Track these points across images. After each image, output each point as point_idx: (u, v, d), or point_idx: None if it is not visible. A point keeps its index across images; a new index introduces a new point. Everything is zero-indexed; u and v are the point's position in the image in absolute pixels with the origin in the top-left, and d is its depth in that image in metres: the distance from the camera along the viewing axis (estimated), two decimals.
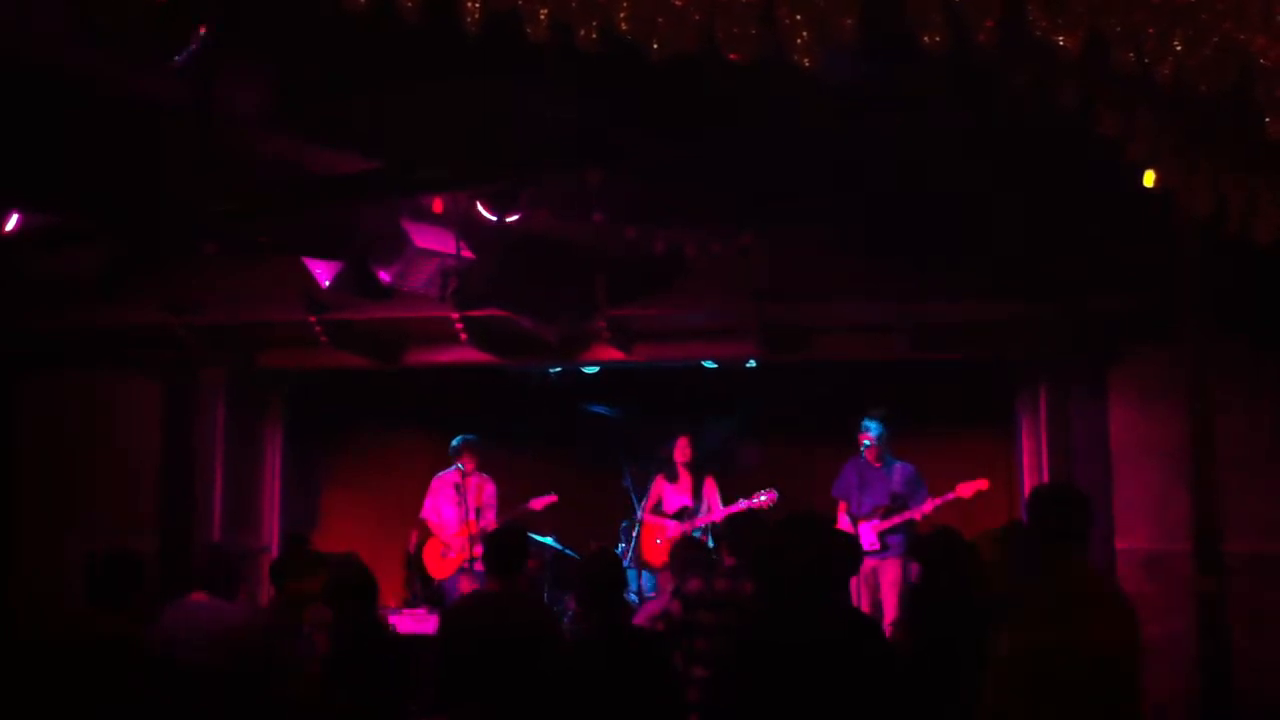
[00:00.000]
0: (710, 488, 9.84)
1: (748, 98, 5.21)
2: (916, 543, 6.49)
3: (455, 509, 9.64)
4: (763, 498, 9.25)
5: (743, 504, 9.32)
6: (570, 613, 8.70)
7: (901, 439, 9.38)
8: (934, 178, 6.45)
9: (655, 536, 9.67)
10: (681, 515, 9.70)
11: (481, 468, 9.76)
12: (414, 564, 9.85)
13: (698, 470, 9.87)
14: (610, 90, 5.09)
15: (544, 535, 9.44)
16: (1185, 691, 6.55)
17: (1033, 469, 8.87)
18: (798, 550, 4.10)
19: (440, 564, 9.73)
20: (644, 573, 9.60)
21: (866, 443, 9.17)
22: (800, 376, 9.84)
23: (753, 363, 9.59)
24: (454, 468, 9.65)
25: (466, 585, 9.18)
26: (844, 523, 9.06)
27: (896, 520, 8.97)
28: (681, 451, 9.91)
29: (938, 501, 8.92)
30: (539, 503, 9.74)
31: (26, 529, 9.24)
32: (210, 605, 5.86)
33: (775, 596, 4.11)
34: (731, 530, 7.02)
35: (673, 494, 9.86)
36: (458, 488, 9.52)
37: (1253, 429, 7.71)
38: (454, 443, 9.74)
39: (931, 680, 4.74)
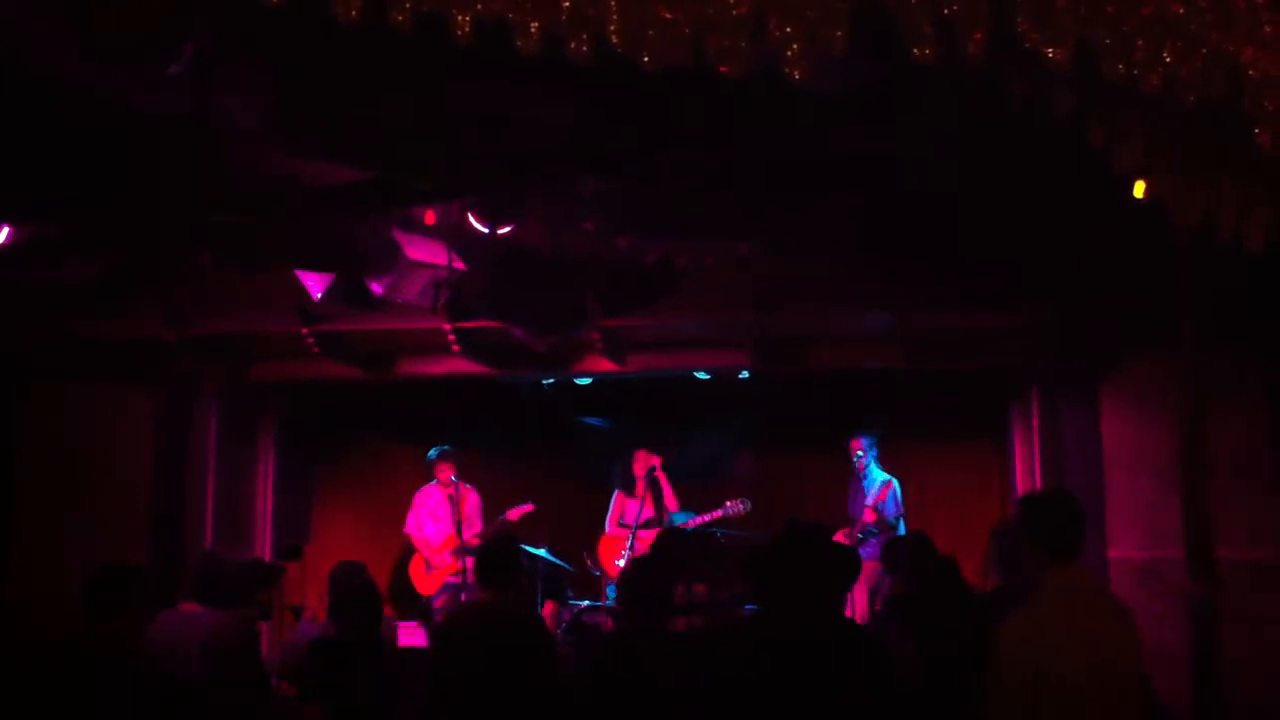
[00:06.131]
0: (669, 494, 9.69)
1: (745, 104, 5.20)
2: (886, 549, 6.52)
3: (436, 523, 9.58)
4: (735, 507, 9.24)
5: (717, 512, 9.30)
6: (564, 624, 8.67)
7: (895, 448, 9.38)
8: (928, 188, 6.45)
9: (619, 549, 9.49)
10: (649, 526, 9.39)
11: (462, 477, 9.68)
12: (398, 578, 9.82)
13: (653, 481, 9.65)
14: (605, 94, 5.08)
15: (537, 547, 9.41)
16: (1177, 699, 6.55)
17: (1025, 477, 8.87)
18: (796, 555, 4.11)
19: (425, 579, 9.67)
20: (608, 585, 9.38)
21: (860, 453, 9.21)
22: (793, 387, 9.84)
23: (745, 374, 9.58)
24: (433, 481, 9.59)
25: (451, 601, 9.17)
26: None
27: (858, 531, 9.05)
28: (640, 463, 9.74)
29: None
30: (515, 513, 9.60)
31: (24, 538, 9.21)
32: (199, 615, 5.84)
33: (772, 599, 4.12)
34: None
35: (634, 506, 9.64)
36: (451, 499, 9.48)
37: (1242, 436, 7.73)
38: (430, 455, 9.69)
39: (936, 692, 4.75)
